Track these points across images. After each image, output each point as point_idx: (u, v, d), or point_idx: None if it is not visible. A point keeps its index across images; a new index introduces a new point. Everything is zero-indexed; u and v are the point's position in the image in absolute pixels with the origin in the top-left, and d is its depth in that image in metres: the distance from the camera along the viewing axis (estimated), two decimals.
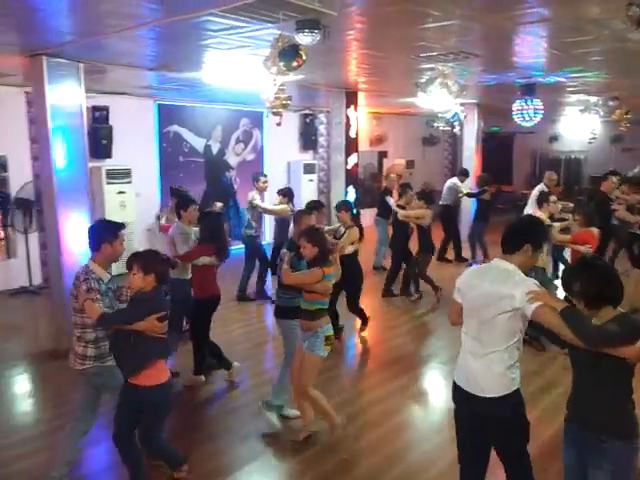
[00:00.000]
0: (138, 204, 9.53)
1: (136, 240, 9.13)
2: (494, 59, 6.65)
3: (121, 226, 3.72)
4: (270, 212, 8.11)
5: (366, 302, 7.20)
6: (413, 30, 5.01)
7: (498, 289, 2.79)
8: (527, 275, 2.87)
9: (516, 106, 8.63)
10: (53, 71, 5.66)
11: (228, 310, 7.31)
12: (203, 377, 5.38)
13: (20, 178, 8.58)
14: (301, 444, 4.25)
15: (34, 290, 8.61)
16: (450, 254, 10.49)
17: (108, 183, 9.10)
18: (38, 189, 8.27)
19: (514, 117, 8.82)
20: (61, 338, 6.16)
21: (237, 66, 6.42)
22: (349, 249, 5.98)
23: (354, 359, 6.44)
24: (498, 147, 16.89)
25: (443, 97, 6.53)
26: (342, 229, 6.24)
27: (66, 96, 5.80)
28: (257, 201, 7.84)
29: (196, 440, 4.34)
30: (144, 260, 3.29)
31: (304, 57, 4.10)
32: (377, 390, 5.29)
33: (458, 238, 10.66)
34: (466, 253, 10.43)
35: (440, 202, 10.50)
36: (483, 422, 2.91)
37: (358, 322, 6.85)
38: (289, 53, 4.04)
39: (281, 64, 4.10)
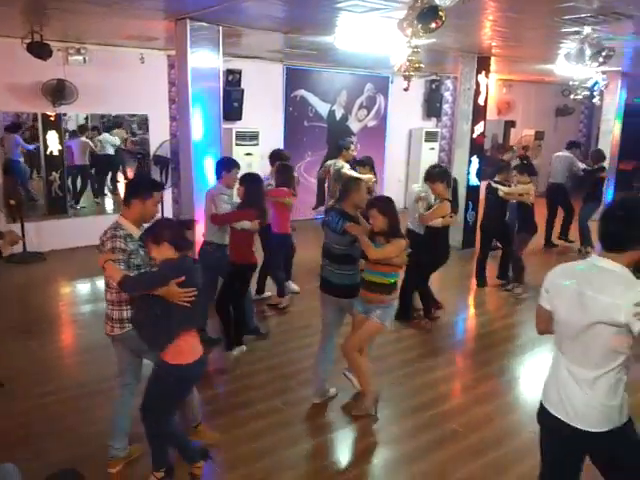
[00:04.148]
0: (263, 166, 9.85)
1: None
2: None
3: (158, 186, 3.51)
4: None
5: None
6: None
7: (597, 296, 2.25)
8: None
9: None
10: (195, 34, 5.94)
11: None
12: (244, 347, 5.20)
13: (158, 137, 9.21)
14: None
15: None
16: (571, 236, 9.58)
17: (237, 144, 9.51)
18: (175, 147, 8.83)
19: None
20: None
21: (369, 30, 6.36)
22: (436, 222, 5.64)
23: (441, 341, 5.92)
24: None
25: (587, 64, 6.07)
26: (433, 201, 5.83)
27: (205, 59, 6.08)
28: (345, 170, 7.22)
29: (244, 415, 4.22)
30: (151, 232, 3.08)
31: (444, 19, 3.97)
32: (467, 375, 5.19)
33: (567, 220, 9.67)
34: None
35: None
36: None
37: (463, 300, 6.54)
38: (428, 14, 3.93)
39: (419, 26, 4.00)
